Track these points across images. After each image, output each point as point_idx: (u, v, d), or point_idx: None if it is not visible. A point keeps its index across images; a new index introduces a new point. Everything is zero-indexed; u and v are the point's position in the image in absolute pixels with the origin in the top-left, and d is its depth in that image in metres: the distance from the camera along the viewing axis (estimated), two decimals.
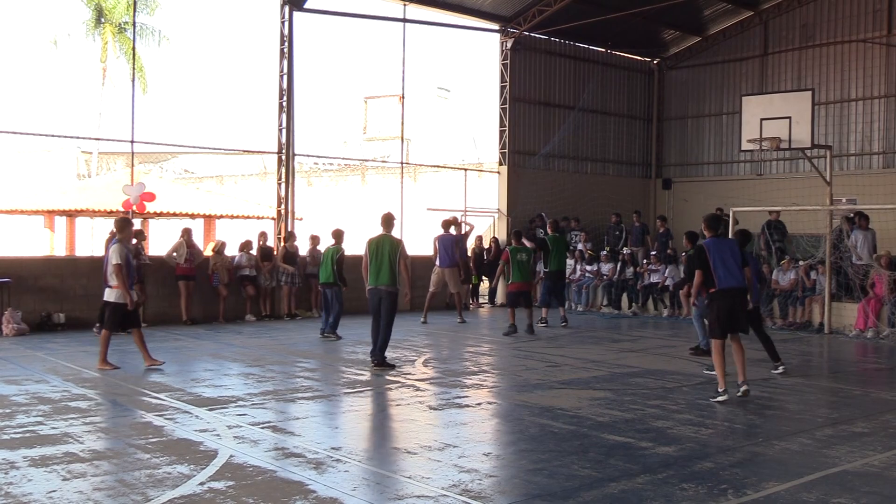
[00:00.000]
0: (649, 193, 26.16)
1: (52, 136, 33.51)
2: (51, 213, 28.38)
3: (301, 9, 19.39)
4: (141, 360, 11.28)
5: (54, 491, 5.85)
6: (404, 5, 21.10)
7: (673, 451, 7.13)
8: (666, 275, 19.78)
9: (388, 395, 9.82)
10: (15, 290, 15.07)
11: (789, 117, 16.36)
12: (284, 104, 19.18)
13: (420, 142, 44.36)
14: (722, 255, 9.47)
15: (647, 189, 26.22)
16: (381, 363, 11.28)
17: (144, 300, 16.04)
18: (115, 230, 11.31)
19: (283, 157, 19.29)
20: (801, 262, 17.76)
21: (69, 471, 6.34)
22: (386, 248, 11.45)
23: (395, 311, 11.50)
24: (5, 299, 14.94)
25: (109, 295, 11.05)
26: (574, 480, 6.24)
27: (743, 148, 17.52)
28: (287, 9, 19.18)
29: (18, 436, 7.39)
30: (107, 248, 14.98)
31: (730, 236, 17.93)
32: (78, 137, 42.08)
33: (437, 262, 17.96)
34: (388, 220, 11.88)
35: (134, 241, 14.52)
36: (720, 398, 9.28)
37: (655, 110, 26.31)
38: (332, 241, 14.80)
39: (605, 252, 21.24)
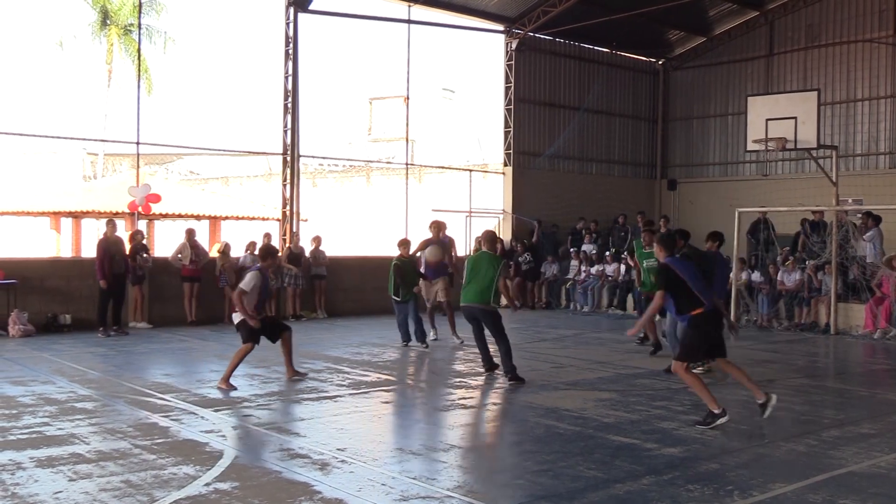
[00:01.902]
0: (654, 194, 26.12)
1: (58, 137, 33.37)
2: (57, 215, 28.43)
3: (306, 10, 19.41)
4: (148, 364, 11.29)
5: (60, 491, 5.85)
6: (409, 6, 21.11)
7: (678, 452, 7.11)
8: None
9: (392, 396, 9.82)
10: (21, 291, 15.10)
11: (795, 118, 16.33)
12: (289, 105, 19.20)
13: (425, 143, 44.32)
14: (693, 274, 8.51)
15: (653, 190, 26.19)
16: (514, 377, 10.45)
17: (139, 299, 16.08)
18: (258, 256, 10.73)
19: (288, 159, 19.31)
20: (808, 263, 17.71)
21: (75, 471, 6.35)
22: (483, 264, 10.76)
23: (500, 326, 10.75)
24: (11, 300, 14.97)
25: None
26: (579, 481, 6.23)
27: (748, 148, 17.50)
28: (292, 10, 19.20)
29: (25, 437, 7.40)
30: (99, 248, 15.00)
31: (735, 237, 17.98)
32: (84, 139, 42.15)
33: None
34: (490, 239, 11.06)
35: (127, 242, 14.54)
36: (719, 421, 7.98)
37: (660, 111, 26.28)
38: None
39: (609, 253, 21.22)
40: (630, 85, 25.75)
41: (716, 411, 8.01)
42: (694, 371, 10.26)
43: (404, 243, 14.23)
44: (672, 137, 26.33)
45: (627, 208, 23.21)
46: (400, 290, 13.55)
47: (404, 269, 13.66)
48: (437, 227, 15.65)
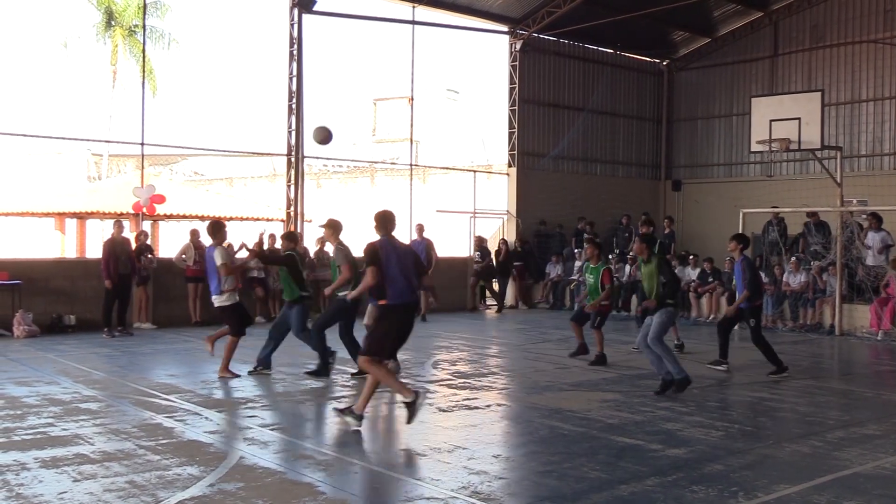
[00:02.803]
0: (659, 195, 26.10)
1: (63, 138, 33.47)
2: (61, 216, 28.47)
3: (310, 11, 19.43)
4: (156, 364, 11.30)
5: (65, 492, 5.86)
6: (413, 7, 21.11)
7: (683, 454, 7.10)
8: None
9: (397, 397, 9.81)
10: (26, 291, 15.12)
11: (799, 118, 16.32)
12: (294, 106, 19.22)
13: (429, 143, 44.33)
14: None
15: (657, 191, 26.17)
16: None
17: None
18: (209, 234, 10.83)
19: (293, 159, 19.33)
20: (813, 264, 17.68)
21: (80, 472, 6.36)
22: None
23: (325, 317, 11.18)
24: (16, 301, 14.99)
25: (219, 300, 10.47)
26: (584, 482, 6.23)
27: (753, 149, 17.48)
28: (296, 11, 19.22)
29: (29, 437, 7.41)
30: (105, 248, 15.07)
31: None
32: (88, 140, 42.31)
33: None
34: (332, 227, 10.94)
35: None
36: (419, 401, 7.69)
37: (665, 112, 26.26)
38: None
39: (612, 255, 21.19)
40: (634, 86, 25.74)
41: (408, 399, 7.66)
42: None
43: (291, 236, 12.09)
44: (676, 138, 26.31)
45: (632, 209, 23.20)
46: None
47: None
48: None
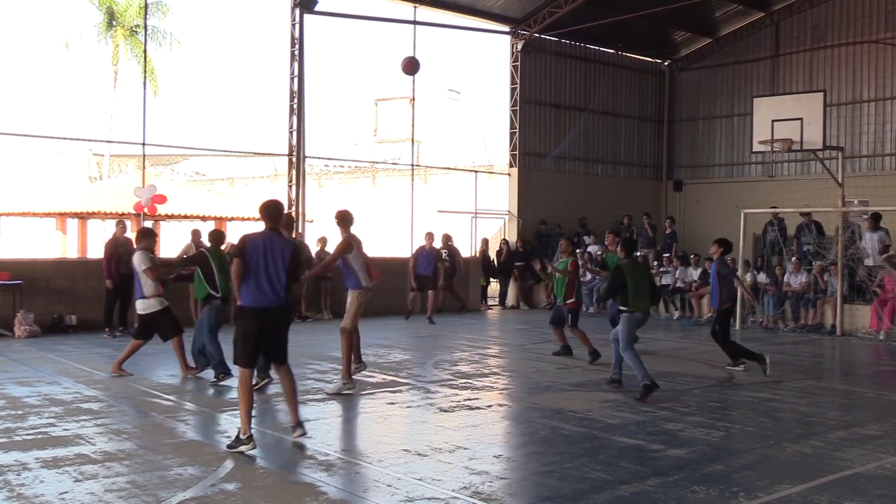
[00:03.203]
0: (660, 195, 26.11)
1: (64, 138, 33.48)
2: (62, 216, 28.46)
3: (312, 11, 19.41)
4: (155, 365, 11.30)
5: (66, 492, 5.87)
6: (415, 7, 21.10)
7: (684, 454, 7.10)
8: (677, 276, 19.74)
9: (398, 397, 9.82)
10: (27, 291, 15.13)
11: (801, 119, 16.32)
12: (295, 106, 19.22)
13: (430, 144, 44.33)
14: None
15: (659, 191, 26.17)
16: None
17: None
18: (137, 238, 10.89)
19: (294, 160, 19.32)
20: (815, 264, 17.68)
21: (81, 472, 6.36)
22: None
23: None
24: (17, 301, 15.00)
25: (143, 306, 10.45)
26: (585, 483, 6.23)
27: (754, 149, 17.50)
28: (298, 11, 19.21)
29: (31, 437, 7.42)
30: (107, 248, 15.09)
31: (740, 238, 17.97)
32: (90, 140, 42.32)
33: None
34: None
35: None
36: (243, 448, 6.93)
37: (666, 112, 26.27)
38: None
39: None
40: (636, 86, 25.74)
41: (242, 435, 6.96)
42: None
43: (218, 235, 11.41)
44: (678, 138, 26.31)
45: (633, 209, 23.21)
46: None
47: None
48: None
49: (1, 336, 14.55)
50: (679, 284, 19.66)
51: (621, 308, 9.97)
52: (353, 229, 10.40)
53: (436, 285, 18.27)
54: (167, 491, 5.91)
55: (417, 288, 18.37)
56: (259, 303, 7.07)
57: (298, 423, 7.40)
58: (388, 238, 21.21)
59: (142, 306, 10.55)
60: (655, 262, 20.72)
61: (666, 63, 26.27)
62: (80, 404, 8.86)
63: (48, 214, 28.46)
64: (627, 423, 8.29)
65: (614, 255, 12.45)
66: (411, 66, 12.87)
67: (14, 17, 71.62)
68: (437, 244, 18.94)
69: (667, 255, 20.64)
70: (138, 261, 10.43)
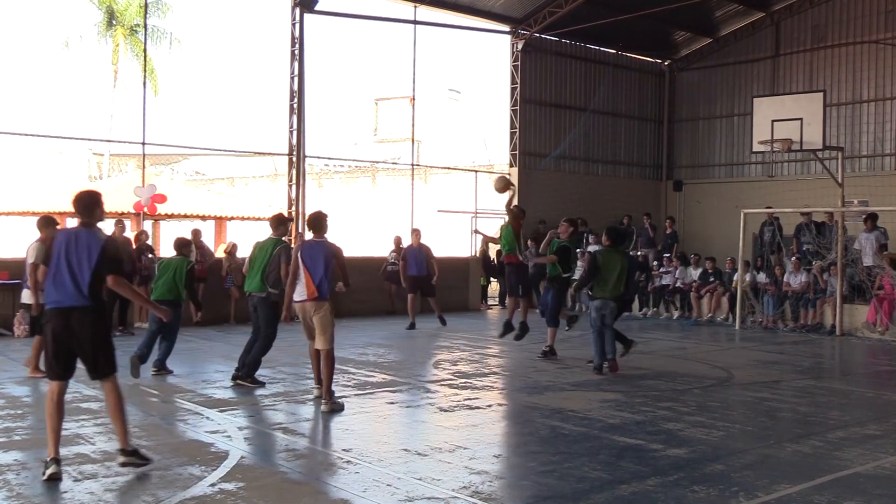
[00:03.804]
0: (661, 195, 26.09)
1: (64, 137, 33.46)
2: (62, 215, 28.42)
3: (312, 11, 19.41)
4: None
5: (66, 492, 5.87)
6: (415, 7, 21.10)
7: (684, 454, 7.11)
8: (677, 276, 19.75)
9: (398, 396, 9.82)
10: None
11: (801, 119, 16.33)
12: (295, 106, 19.22)
13: (431, 143, 44.34)
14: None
15: (659, 191, 26.16)
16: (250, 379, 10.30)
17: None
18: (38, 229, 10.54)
19: (294, 159, 19.32)
20: (814, 264, 17.68)
21: (80, 472, 6.36)
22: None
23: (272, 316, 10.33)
24: (16, 300, 14.98)
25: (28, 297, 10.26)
26: (584, 482, 6.23)
27: (754, 149, 17.50)
28: (298, 11, 19.21)
29: (30, 437, 7.42)
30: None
31: (740, 238, 17.98)
32: (89, 139, 42.32)
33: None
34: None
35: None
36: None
37: (666, 112, 26.25)
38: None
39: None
40: (636, 86, 25.72)
41: (126, 448, 6.51)
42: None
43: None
44: (678, 138, 26.30)
45: (633, 209, 23.20)
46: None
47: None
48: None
49: (0, 335, 14.55)
50: (679, 284, 19.67)
51: (589, 293, 10.37)
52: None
53: (430, 284, 17.27)
54: (167, 490, 5.91)
55: (410, 290, 17.17)
56: (58, 303, 6.30)
57: (123, 450, 6.48)
58: (389, 238, 21.14)
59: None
60: (655, 262, 20.73)
61: (666, 63, 26.26)
62: (80, 404, 8.86)
63: (48, 214, 28.46)
64: (627, 422, 8.30)
65: (557, 240, 13.07)
66: (503, 185, 13.16)
67: (14, 17, 71.59)
68: (407, 243, 18.06)
69: (667, 255, 20.66)
70: (31, 253, 10.12)
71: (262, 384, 10.02)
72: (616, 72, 25.10)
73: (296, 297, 8.92)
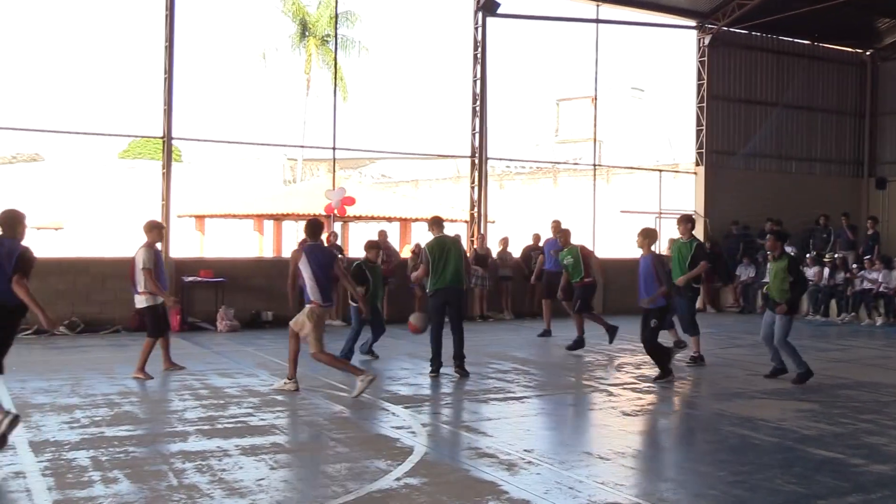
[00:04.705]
0: (860, 194, 24.53)
1: (261, 144, 35.35)
2: (260, 217, 30.12)
3: (494, 14, 19.59)
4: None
5: (263, 479, 6.18)
6: (597, 6, 20.87)
7: (889, 470, 6.63)
8: (881, 280, 18.48)
9: (580, 399, 9.72)
10: (228, 289, 16.12)
11: None
12: (477, 108, 19.45)
13: (613, 143, 43.76)
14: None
15: (858, 189, 24.60)
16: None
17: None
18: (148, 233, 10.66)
19: (476, 161, 19.55)
20: None
21: (276, 460, 6.69)
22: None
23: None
24: (220, 297, 15.99)
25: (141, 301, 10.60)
26: (777, 496, 5.93)
27: None
28: (480, 15, 19.44)
29: (231, 426, 7.87)
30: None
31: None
32: (284, 145, 44.47)
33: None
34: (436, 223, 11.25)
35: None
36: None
37: (868, 105, 24.66)
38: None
39: (809, 256, 20.12)
40: (834, 78, 24.32)
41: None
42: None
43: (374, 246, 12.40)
44: (881, 133, 24.64)
45: (830, 209, 21.93)
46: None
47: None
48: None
49: (204, 330, 15.56)
50: (883, 289, 18.39)
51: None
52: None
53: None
54: (355, 482, 6.11)
55: (546, 295, 15.46)
56: None
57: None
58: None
59: (137, 301, 10.65)
60: (855, 265, 19.49)
61: (867, 53, 24.66)
62: (276, 396, 9.31)
63: (247, 216, 30.19)
64: (825, 434, 7.83)
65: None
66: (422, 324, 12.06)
67: (217, 34, 76.46)
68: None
69: (868, 256, 19.39)
70: (140, 258, 10.36)
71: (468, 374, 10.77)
72: (811, 64, 23.84)
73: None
